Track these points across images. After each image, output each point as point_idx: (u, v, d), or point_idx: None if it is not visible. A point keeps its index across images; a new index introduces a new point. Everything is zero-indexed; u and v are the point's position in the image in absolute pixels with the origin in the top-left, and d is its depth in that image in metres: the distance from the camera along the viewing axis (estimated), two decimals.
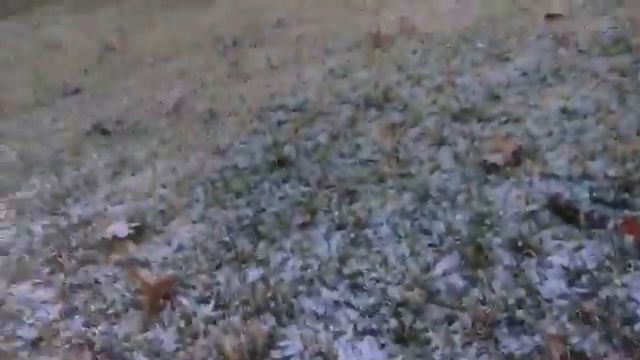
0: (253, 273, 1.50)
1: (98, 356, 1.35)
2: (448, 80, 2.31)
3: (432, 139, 1.89)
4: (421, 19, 3.23)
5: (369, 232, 1.52)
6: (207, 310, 1.42)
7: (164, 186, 2.13)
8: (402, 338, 1.16)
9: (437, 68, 2.47)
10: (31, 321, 1.57)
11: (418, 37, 2.93)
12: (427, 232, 1.46)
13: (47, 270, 1.79)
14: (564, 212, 1.36)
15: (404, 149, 1.88)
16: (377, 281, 1.34)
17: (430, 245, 1.41)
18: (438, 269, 1.33)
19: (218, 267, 1.56)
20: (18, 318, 1.59)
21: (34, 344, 1.47)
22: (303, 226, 1.63)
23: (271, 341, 1.25)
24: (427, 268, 1.34)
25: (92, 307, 1.54)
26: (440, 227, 1.46)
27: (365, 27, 3.38)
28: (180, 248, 1.70)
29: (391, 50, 2.87)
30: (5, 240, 2.07)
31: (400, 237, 1.47)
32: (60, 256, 1.83)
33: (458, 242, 1.38)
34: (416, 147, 1.88)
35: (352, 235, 1.53)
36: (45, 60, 6.16)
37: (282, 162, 2.02)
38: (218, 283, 1.50)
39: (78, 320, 1.51)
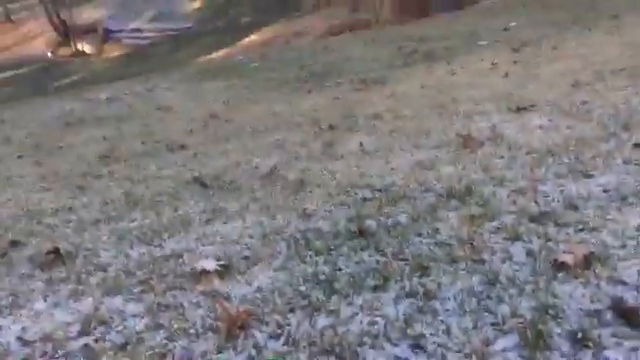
0: (323, 320, 1.62)
1: None
2: (530, 186, 2.43)
3: (507, 234, 2.00)
4: (511, 130, 3.39)
5: (436, 303, 1.63)
6: (277, 345, 1.55)
7: (251, 236, 2.33)
8: None
9: (521, 174, 2.60)
10: (120, 328, 1.75)
11: (506, 145, 3.08)
12: (492, 312, 1.55)
13: (139, 289, 1.99)
14: (627, 315, 1.42)
15: (479, 238, 1.99)
16: (438, 345, 1.44)
17: (493, 324, 1.50)
18: (498, 345, 1.41)
19: (291, 310, 1.70)
20: (108, 324, 1.79)
21: (120, 347, 1.65)
22: (375, 289, 1.75)
23: None
24: (487, 342, 1.42)
25: (175, 325, 1.71)
26: (505, 309, 1.54)
27: (456, 130, 3.58)
28: (259, 289, 1.86)
29: (478, 152, 3.02)
30: (105, 260, 2.31)
31: (465, 312, 1.56)
32: (152, 279, 2.04)
33: (520, 325, 1.46)
34: (491, 238, 1.98)
35: (420, 303, 1.64)
36: (156, 119, 6.77)
37: (362, 232, 2.17)
38: (289, 324, 1.63)
39: (162, 334, 1.68)
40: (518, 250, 1.87)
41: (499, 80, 5.27)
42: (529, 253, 1.84)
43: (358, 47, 10.95)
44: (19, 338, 1.76)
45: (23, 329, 1.81)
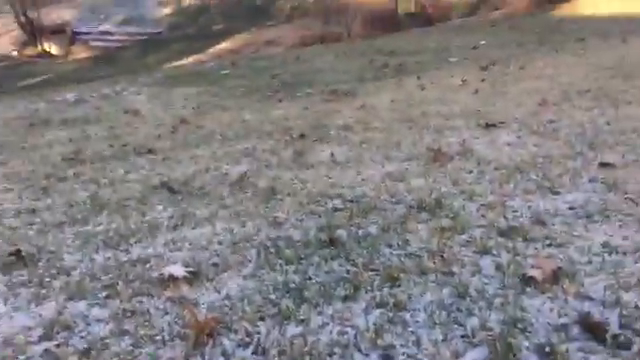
0: (293, 329, 1.61)
1: None
2: (499, 201, 2.46)
3: (477, 247, 2.02)
4: (480, 145, 3.45)
5: (407, 314, 1.63)
6: (246, 353, 1.53)
7: (220, 243, 2.30)
8: None
9: (490, 188, 2.64)
10: (83, 334, 1.70)
11: (475, 160, 3.13)
12: (461, 324, 1.56)
13: (104, 294, 1.94)
14: (593, 330, 1.45)
15: (449, 251, 2.01)
16: (408, 356, 1.44)
17: (462, 336, 1.51)
18: (467, 358, 1.41)
19: (261, 319, 1.68)
20: (72, 330, 1.73)
21: (83, 353, 1.60)
22: (345, 299, 1.75)
23: None
24: (457, 354, 1.43)
25: (141, 332, 1.67)
26: (474, 322, 1.55)
27: (426, 144, 3.62)
28: (228, 297, 1.84)
29: (448, 166, 3.06)
30: (69, 263, 2.25)
31: (435, 324, 1.57)
32: (117, 284, 1.99)
33: (489, 338, 1.47)
34: (461, 251, 2.00)
35: (390, 314, 1.64)
36: (123, 122, 6.65)
37: (333, 242, 2.17)
38: (259, 332, 1.61)
39: (127, 340, 1.64)
40: (487, 264, 1.90)
41: (468, 97, 5.37)
42: (498, 267, 1.86)
43: (329, 59, 11.03)
44: None
45: None
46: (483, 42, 10.55)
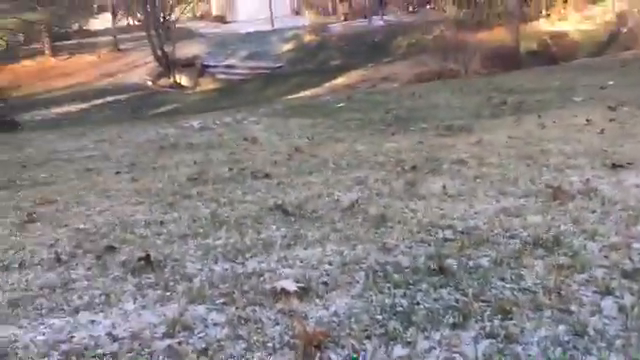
0: (399, 350, 1.62)
1: None
2: (624, 242, 2.33)
3: (598, 287, 1.92)
4: (605, 185, 3.27)
5: (518, 347, 1.58)
6: None
7: (330, 264, 2.36)
8: None
9: (615, 229, 2.50)
10: (202, 335, 1.82)
11: (600, 199, 2.98)
12: None
13: (221, 301, 2.06)
14: None
15: (567, 289, 1.93)
16: None
17: None
18: None
19: (368, 337, 1.71)
20: (192, 330, 1.86)
21: (201, 352, 1.71)
22: (454, 326, 1.73)
23: None
24: None
25: (254, 337, 1.76)
26: None
27: (545, 181, 3.49)
28: (336, 314, 1.88)
29: (569, 205, 2.93)
30: (191, 271, 2.41)
31: (549, 359, 1.51)
32: (234, 293, 2.11)
33: None
34: (580, 290, 1.92)
35: (500, 345, 1.60)
36: (242, 148, 7.01)
37: (442, 271, 2.16)
38: (365, 350, 1.64)
39: (241, 344, 1.73)
40: (609, 304, 1.80)
41: (593, 136, 5.11)
42: (621, 308, 1.77)
43: (445, 95, 10.94)
44: (109, 334, 1.86)
45: (113, 326, 1.91)
46: (611, 82, 10.00)
